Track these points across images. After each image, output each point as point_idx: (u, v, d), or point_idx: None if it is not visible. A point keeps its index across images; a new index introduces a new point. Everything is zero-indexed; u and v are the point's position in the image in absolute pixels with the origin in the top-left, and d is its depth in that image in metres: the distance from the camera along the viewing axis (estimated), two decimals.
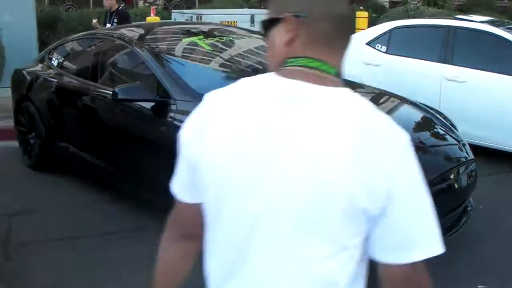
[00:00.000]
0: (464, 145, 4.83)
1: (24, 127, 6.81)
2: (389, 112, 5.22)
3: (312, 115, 1.34)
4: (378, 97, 5.53)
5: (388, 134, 1.35)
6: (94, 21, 9.71)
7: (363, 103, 1.37)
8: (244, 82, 1.47)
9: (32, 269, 4.44)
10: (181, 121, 4.52)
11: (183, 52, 5.53)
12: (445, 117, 5.37)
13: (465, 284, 4.20)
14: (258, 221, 1.37)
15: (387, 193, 1.31)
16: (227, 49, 5.65)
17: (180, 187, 1.59)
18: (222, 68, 5.42)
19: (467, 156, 4.67)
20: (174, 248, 1.67)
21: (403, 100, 5.41)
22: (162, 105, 4.79)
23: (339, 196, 1.30)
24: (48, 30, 12.71)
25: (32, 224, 5.25)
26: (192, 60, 5.49)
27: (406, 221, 1.33)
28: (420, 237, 1.35)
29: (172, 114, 4.69)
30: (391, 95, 5.53)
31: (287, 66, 1.41)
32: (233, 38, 5.94)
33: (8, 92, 8.81)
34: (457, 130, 5.17)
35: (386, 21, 11.43)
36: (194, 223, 1.57)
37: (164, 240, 1.69)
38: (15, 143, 7.40)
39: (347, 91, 1.38)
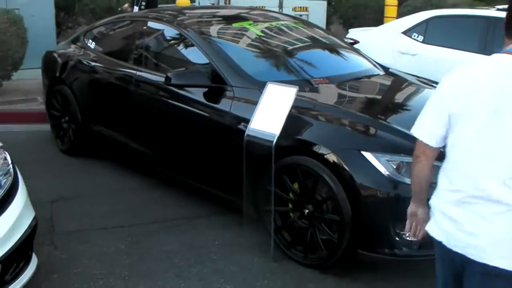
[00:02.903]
0: None
1: (57, 111, 6.66)
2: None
3: None
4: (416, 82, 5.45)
5: None
6: (126, 5, 9.53)
7: None
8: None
9: (81, 258, 4.31)
10: (240, 109, 4.47)
11: (234, 37, 5.39)
12: None
13: None
14: None
15: None
16: (278, 35, 5.51)
17: (428, 134, 2.42)
18: (276, 55, 5.26)
19: None
20: (427, 168, 2.48)
21: None
22: (218, 91, 4.66)
23: None
24: (63, 11, 12.47)
25: (74, 212, 5.12)
26: (245, 45, 5.33)
27: None
28: None
29: (229, 102, 4.55)
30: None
31: None
32: (282, 24, 5.79)
33: (31, 73, 8.71)
34: None
35: (408, 10, 11.32)
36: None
37: (417, 164, 2.51)
38: (43, 127, 7.29)
39: None
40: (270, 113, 4.08)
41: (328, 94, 4.73)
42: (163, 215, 5.05)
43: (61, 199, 5.40)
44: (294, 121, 4.15)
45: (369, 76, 5.31)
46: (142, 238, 4.65)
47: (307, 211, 4.11)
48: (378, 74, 5.43)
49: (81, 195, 5.50)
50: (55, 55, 6.79)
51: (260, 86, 4.38)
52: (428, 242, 3.85)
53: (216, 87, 4.67)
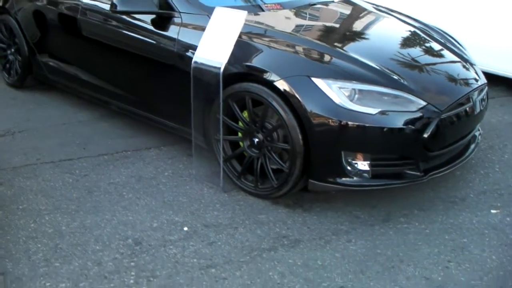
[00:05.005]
0: (474, 65, 4.63)
1: (2, 43, 6.39)
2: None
3: None
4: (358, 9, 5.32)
5: None
6: None
7: None
8: None
9: (27, 194, 4.18)
10: (188, 36, 4.29)
11: None
12: (450, 36, 5.14)
13: (478, 208, 4.09)
14: None
15: None
16: None
17: None
18: None
19: (478, 78, 4.47)
20: None
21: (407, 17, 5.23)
22: (165, 18, 4.46)
23: None
24: None
25: (21, 147, 4.96)
26: None
27: None
28: None
29: (177, 28, 4.37)
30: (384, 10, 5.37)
31: None
32: None
33: None
34: (465, 49, 4.96)
35: None
36: None
37: None
38: None
39: None
40: (218, 39, 3.91)
41: (279, 20, 4.56)
42: (112, 147, 4.92)
43: (8, 133, 5.22)
44: (243, 47, 3.99)
45: (323, 3, 5.14)
46: (90, 171, 4.52)
47: (257, 140, 4.00)
48: (332, 1, 5.26)
49: (29, 129, 5.32)
50: None
51: (209, 12, 4.19)
52: (381, 172, 3.85)
53: (164, 13, 4.47)
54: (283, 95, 3.75)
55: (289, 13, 4.72)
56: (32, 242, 3.61)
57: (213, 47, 3.91)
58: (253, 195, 4.13)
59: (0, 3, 6.25)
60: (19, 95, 6.20)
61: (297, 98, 3.68)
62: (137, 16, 4.64)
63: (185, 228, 3.77)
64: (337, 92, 3.65)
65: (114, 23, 4.84)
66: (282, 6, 4.72)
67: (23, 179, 4.39)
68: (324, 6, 5.09)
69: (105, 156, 4.77)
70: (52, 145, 4.97)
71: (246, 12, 3.92)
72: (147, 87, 4.74)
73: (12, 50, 6.26)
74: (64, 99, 6.01)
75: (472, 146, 4.44)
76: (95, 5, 5.10)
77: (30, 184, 4.32)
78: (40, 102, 6.01)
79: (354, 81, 3.72)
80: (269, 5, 4.68)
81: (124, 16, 4.72)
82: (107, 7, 4.83)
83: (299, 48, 3.99)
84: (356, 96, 3.67)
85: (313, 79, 3.69)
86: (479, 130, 4.64)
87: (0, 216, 3.89)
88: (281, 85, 3.74)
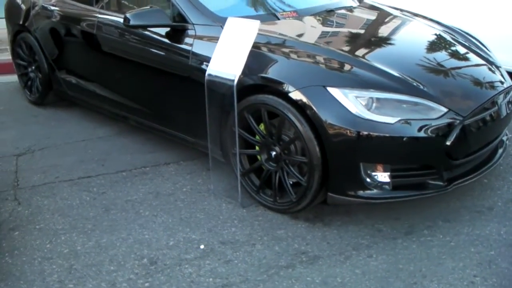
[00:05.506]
0: (499, 68, 4.46)
1: (23, 60, 6.41)
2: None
3: None
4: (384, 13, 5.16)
5: None
6: None
7: None
8: None
9: (44, 213, 4.12)
10: (202, 48, 4.21)
11: None
12: (475, 38, 4.98)
13: (506, 218, 3.92)
14: None
15: None
16: None
17: None
18: None
19: (504, 81, 4.30)
20: None
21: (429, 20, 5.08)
22: (179, 31, 4.39)
23: None
24: None
25: (40, 165, 4.92)
26: None
27: None
28: None
29: (191, 41, 4.29)
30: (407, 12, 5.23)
31: None
32: None
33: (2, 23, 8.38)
34: (490, 52, 4.79)
35: None
36: None
37: None
38: (10, 78, 7.08)
39: None
40: (231, 50, 3.82)
41: (295, 29, 4.44)
42: (131, 163, 4.86)
43: (28, 151, 5.20)
44: (258, 58, 3.89)
45: (340, 9, 5.02)
46: (108, 188, 4.46)
47: (274, 153, 3.89)
48: (350, 6, 5.13)
49: (49, 146, 5.30)
50: (18, 1, 6.48)
51: (222, 23, 4.10)
52: (402, 183, 3.71)
53: (177, 26, 4.40)
54: (298, 106, 3.63)
55: (305, 20, 4.60)
56: (47, 263, 3.55)
57: (226, 59, 3.82)
58: (272, 210, 4.02)
59: (20, 21, 6.26)
60: (41, 112, 6.21)
61: (313, 109, 3.57)
62: (151, 29, 4.58)
63: (202, 246, 3.68)
64: (353, 101, 3.52)
65: (129, 37, 4.79)
66: (298, 14, 4.61)
67: (40, 198, 4.34)
68: (341, 12, 4.97)
69: (124, 172, 4.71)
70: (71, 163, 4.92)
71: (258, 21, 3.81)
72: (163, 101, 4.67)
73: (33, 67, 6.28)
74: (84, 115, 5.99)
75: (500, 151, 4.27)
76: (110, 20, 5.06)
77: (48, 203, 4.27)
78: (61, 118, 6.00)
79: (371, 90, 3.58)
80: (284, 13, 4.57)
81: (138, 30, 4.66)
82: (122, 21, 4.79)
83: (315, 58, 3.87)
84: (374, 105, 3.54)
85: (329, 88, 3.57)
86: (506, 134, 4.47)
87: (16, 237, 3.84)
88: (296, 96, 3.63)
